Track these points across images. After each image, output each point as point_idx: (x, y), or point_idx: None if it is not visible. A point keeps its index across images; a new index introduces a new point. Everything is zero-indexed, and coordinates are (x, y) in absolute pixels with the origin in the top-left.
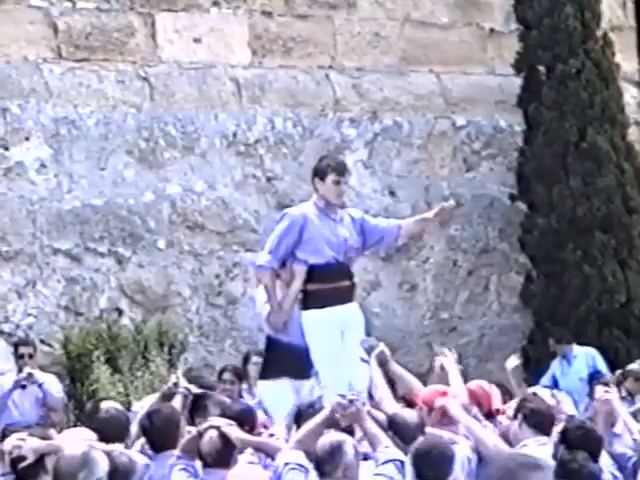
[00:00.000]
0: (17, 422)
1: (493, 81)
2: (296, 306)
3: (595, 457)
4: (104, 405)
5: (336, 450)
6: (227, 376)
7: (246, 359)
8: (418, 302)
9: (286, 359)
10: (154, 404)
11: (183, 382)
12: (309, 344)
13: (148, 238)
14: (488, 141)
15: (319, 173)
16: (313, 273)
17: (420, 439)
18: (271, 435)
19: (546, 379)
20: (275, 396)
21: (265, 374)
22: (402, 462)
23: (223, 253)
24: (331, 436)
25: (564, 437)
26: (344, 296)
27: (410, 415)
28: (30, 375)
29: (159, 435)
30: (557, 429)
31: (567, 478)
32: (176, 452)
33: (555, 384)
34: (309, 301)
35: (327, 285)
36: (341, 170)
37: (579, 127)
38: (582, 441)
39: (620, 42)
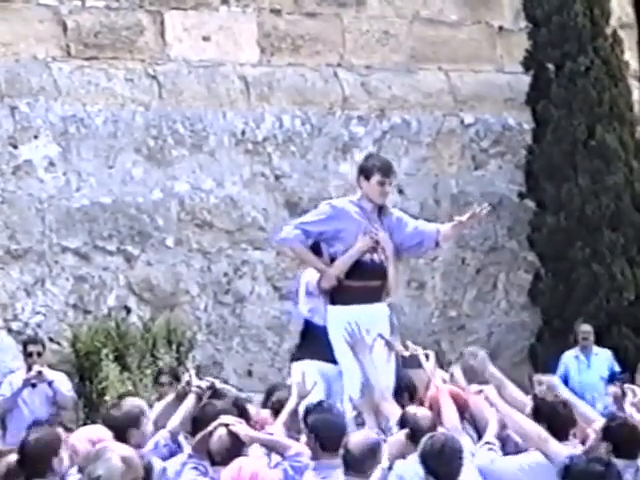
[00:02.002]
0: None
1: (502, 79)
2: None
3: (636, 454)
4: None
5: (376, 448)
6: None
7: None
8: (426, 300)
9: (316, 342)
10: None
11: (196, 381)
12: (331, 340)
13: (157, 236)
14: (497, 139)
15: (364, 172)
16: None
17: (428, 437)
18: (269, 434)
19: (558, 373)
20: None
21: (296, 356)
22: None
23: (231, 251)
24: (363, 434)
25: (607, 434)
26: (372, 295)
27: (422, 414)
28: (40, 373)
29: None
30: (596, 425)
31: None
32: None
33: (565, 381)
34: (336, 297)
35: (356, 283)
36: (387, 171)
37: (588, 125)
38: (626, 438)
39: (629, 40)
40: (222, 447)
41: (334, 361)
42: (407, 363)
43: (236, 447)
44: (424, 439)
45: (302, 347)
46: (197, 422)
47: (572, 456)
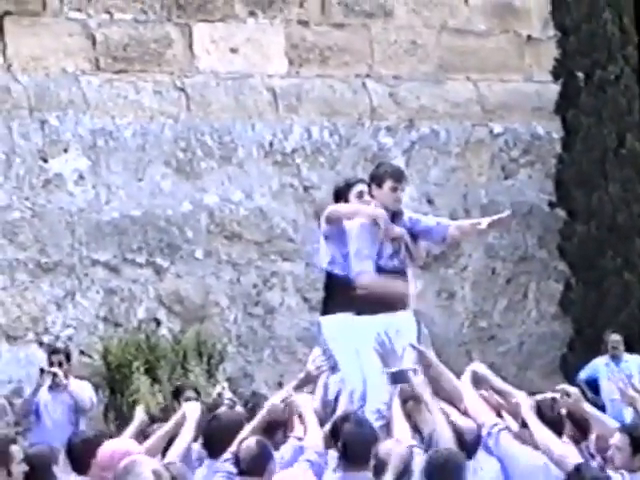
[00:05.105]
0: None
1: (531, 88)
2: None
3: None
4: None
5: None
6: (189, 394)
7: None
8: (456, 310)
9: (339, 294)
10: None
11: (228, 393)
12: (358, 351)
13: (186, 248)
14: (526, 148)
15: (376, 179)
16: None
17: (433, 451)
18: (299, 439)
19: (585, 372)
20: (334, 331)
21: (325, 310)
22: None
23: (261, 263)
24: (393, 442)
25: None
26: (398, 302)
27: (468, 426)
28: (55, 375)
29: (217, 440)
30: (616, 439)
31: None
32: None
33: (595, 386)
34: (361, 306)
35: (381, 290)
36: (398, 176)
37: (618, 133)
38: None
39: None
40: (249, 456)
41: (359, 312)
42: (395, 379)
43: (264, 456)
44: (429, 453)
45: (327, 301)
46: (207, 436)
47: (581, 464)
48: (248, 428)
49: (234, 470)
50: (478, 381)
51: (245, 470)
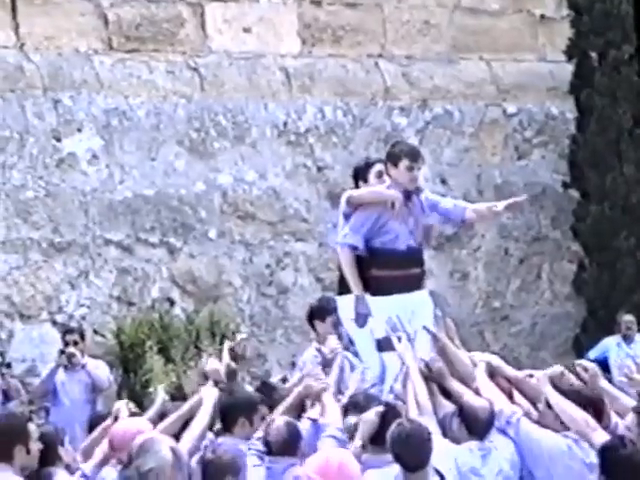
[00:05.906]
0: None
1: (544, 68)
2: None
3: None
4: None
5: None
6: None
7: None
8: (470, 291)
9: (360, 274)
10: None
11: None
12: (372, 331)
13: (199, 228)
14: (540, 128)
15: (392, 158)
16: (381, 258)
17: (396, 424)
18: (313, 420)
19: (595, 352)
20: (350, 311)
21: (341, 290)
22: None
23: (274, 243)
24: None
25: None
26: (413, 283)
27: (481, 405)
28: (73, 355)
29: (228, 416)
30: (628, 419)
31: (611, 466)
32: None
33: (604, 365)
34: (376, 287)
35: (395, 272)
36: (414, 156)
37: (632, 113)
38: None
39: None
40: (279, 437)
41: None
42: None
43: (293, 439)
44: (392, 426)
45: (342, 281)
46: (220, 411)
47: (612, 443)
48: (284, 405)
49: (264, 449)
50: (493, 372)
51: (275, 451)
